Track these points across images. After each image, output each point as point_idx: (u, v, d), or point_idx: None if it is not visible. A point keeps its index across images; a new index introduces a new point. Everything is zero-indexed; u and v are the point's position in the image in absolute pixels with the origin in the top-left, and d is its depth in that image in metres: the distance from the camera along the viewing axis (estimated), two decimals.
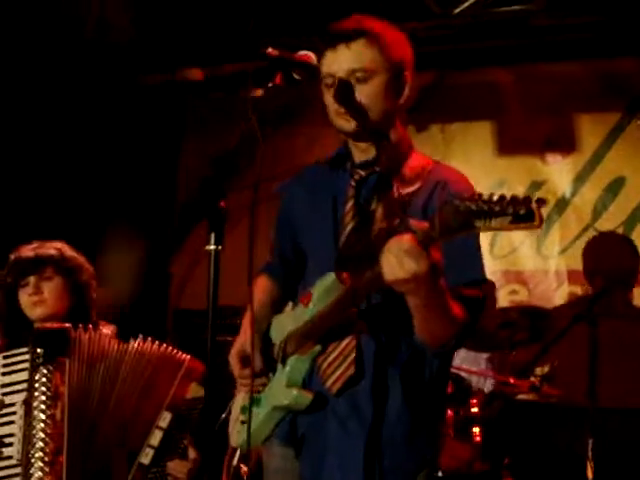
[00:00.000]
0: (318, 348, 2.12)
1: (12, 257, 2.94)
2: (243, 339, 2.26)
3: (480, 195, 1.58)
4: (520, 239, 5.25)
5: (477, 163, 5.36)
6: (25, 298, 2.91)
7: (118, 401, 2.77)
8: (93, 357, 2.80)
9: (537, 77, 5.24)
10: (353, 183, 2.17)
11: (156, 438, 2.76)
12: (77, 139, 5.30)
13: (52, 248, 2.95)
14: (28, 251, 2.94)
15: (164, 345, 2.88)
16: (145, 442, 2.76)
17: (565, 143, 5.20)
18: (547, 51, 5.09)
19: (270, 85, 2.00)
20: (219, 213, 1.78)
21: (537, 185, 5.26)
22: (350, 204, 2.16)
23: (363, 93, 2.10)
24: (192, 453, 2.77)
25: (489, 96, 5.34)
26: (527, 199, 1.52)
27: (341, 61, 2.10)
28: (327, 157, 2.30)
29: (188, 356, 2.87)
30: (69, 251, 2.98)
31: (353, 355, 2.08)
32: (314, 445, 2.17)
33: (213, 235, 1.77)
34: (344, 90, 2.08)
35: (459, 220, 1.59)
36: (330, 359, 2.11)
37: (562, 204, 5.20)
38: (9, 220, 4.65)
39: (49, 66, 5.01)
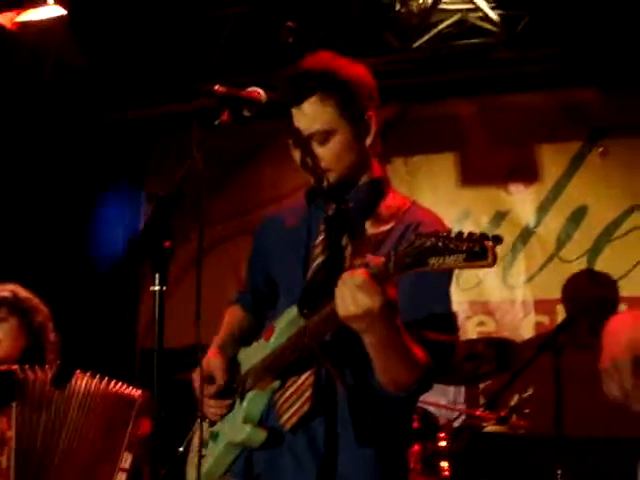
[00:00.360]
0: (277, 383, 2.09)
1: None
2: (208, 360, 2.23)
3: (438, 233, 1.55)
4: (486, 270, 5.23)
5: (442, 194, 5.38)
6: None
7: (70, 445, 2.71)
8: (41, 400, 2.75)
9: (499, 108, 5.30)
10: (324, 218, 2.14)
11: None
12: (36, 178, 5.26)
13: (5, 290, 2.93)
14: None
15: (113, 382, 2.83)
16: None
17: (528, 173, 5.24)
18: (508, 82, 5.16)
19: (217, 123, 1.96)
20: (163, 253, 1.74)
21: (501, 215, 5.29)
22: (321, 238, 2.12)
23: (326, 153, 2.06)
24: None
25: (452, 128, 5.37)
26: (482, 236, 1.50)
27: (296, 125, 2.06)
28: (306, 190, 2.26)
29: (139, 391, 2.83)
30: (23, 292, 2.96)
31: (310, 391, 2.04)
32: None
33: (157, 275, 1.73)
34: (306, 162, 2.06)
35: (414, 257, 1.57)
36: (287, 395, 2.08)
37: (526, 234, 5.22)
38: None
39: (8, 109, 4.98)
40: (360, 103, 2.09)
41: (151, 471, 1.86)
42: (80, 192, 5.45)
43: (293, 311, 2.05)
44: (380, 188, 2.15)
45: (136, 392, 2.83)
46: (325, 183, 2.09)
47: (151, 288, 1.73)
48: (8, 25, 5.00)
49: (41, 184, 5.32)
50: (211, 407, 2.22)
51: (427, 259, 1.54)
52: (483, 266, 1.49)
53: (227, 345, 2.29)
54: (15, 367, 2.77)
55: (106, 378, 2.85)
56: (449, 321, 2.04)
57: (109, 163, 5.62)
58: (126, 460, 2.73)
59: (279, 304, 2.21)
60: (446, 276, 2.05)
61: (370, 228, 2.05)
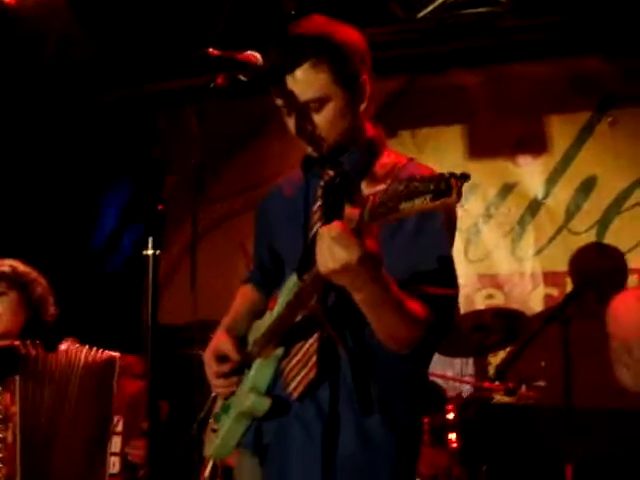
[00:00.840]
0: (280, 350, 2.08)
1: None
2: (217, 340, 2.23)
3: (409, 178, 1.54)
4: (494, 242, 5.22)
5: (449, 167, 5.10)
6: None
7: (72, 416, 2.72)
8: (43, 374, 2.75)
9: (506, 78, 5.22)
10: (322, 183, 2.13)
11: (117, 445, 2.71)
12: (41, 159, 5.25)
13: (4, 265, 2.92)
14: None
15: (93, 349, 2.83)
16: (107, 451, 2.70)
17: (536, 144, 5.17)
18: (515, 52, 5.07)
19: (212, 86, 1.93)
20: (157, 217, 1.72)
21: (509, 187, 5.23)
22: (318, 204, 2.12)
23: (321, 120, 2.04)
24: None
25: (458, 99, 5.30)
26: (450, 174, 1.50)
27: (289, 94, 2.03)
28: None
29: (117, 354, 2.82)
30: (22, 266, 2.96)
31: (315, 358, 2.02)
32: (278, 452, 2.11)
33: (151, 239, 1.70)
34: (301, 127, 2.04)
35: (386, 204, 1.55)
36: (293, 363, 2.06)
37: (535, 206, 5.16)
38: None
39: (11, 87, 4.96)
40: (354, 67, 2.06)
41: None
42: (85, 169, 5.44)
43: (293, 278, 2.04)
44: (373, 148, 2.13)
45: (114, 354, 2.81)
46: (322, 150, 2.08)
47: (144, 252, 1.71)
48: (7, 0, 4.97)
49: (43, 160, 5.31)
50: (221, 386, 2.21)
51: (398, 205, 1.53)
52: (449, 204, 1.48)
53: (237, 323, 2.29)
54: (17, 342, 2.77)
55: (86, 345, 2.86)
56: (449, 275, 2.02)
57: (113, 140, 5.59)
58: (118, 422, 2.74)
59: (286, 275, 2.19)
60: (444, 230, 2.03)
61: (366, 189, 2.03)
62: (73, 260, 5.49)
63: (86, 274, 5.55)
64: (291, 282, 2.05)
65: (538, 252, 5.11)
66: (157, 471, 1.82)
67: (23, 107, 5.04)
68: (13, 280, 2.90)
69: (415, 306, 1.88)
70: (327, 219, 2.02)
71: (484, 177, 5.27)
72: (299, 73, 2.01)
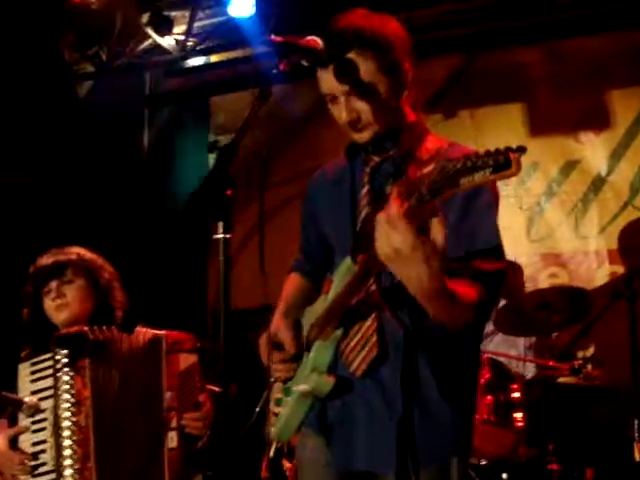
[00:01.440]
0: (339, 332, 2.11)
1: (32, 268, 2.96)
2: (275, 327, 2.27)
3: (465, 154, 1.57)
4: (557, 221, 5.16)
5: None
6: (49, 303, 2.92)
7: (137, 398, 2.78)
8: (112, 358, 2.80)
9: (565, 54, 5.14)
10: (368, 169, 2.17)
11: (172, 420, 2.75)
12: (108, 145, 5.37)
13: (70, 252, 2.96)
14: (47, 258, 2.95)
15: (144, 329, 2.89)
16: (165, 427, 2.76)
17: (598, 120, 5.08)
18: (574, 27, 5.00)
19: (275, 72, 1.96)
20: (226, 201, 1.75)
21: (571, 165, 5.16)
22: (365, 190, 2.15)
23: (364, 108, 2.08)
24: (206, 405, 2.79)
25: (518, 77, 5.25)
26: (507, 148, 1.52)
27: (334, 81, 2.07)
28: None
29: (163, 331, 2.87)
30: (88, 253, 2.99)
31: (375, 337, 2.06)
32: (343, 431, 2.15)
33: (221, 224, 1.74)
34: (349, 112, 2.08)
35: (445, 180, 1.59)
36: (352, 343, 2.10)
37: (598, 183, 5.08)
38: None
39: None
40: (396, 56, 2.11)
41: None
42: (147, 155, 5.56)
43: (347, 261, 2.08)
44: (417, 133, 2.17)
45: (160, 332, 2.86)
46: (366, 136, 2.12)
47: (214, 236, 1.75)
48: None
49: (109, 145, 5.44)
50: (280, 371, 2.26)
51: (458, 180, 1.56)
52: (509, 176, 1.52)
53: (290, 310, 2.33)
54: (86, 328, 2.82)
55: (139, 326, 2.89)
56: (498, 249, 2.03)
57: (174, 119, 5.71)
58: (172, 399, 2.77)
59: (336, 260, 2.23)
60: (492, 206, 2.05)
61: (412, 173, 2.04)
62: (139, 244, 5.63)
63: (152, 258, 5.68)
64: (344, 266, 2.08)
65: (602, 229, 5.03)
66: (225, 453, 1.86)
67: (91, 100, 5.17)
68: (80, 267, 2.92)
69: (466, 290, 1.90)
70: (375, 204, 2.08)
71: (545, 155, 5.21)
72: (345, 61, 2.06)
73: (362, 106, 2.08)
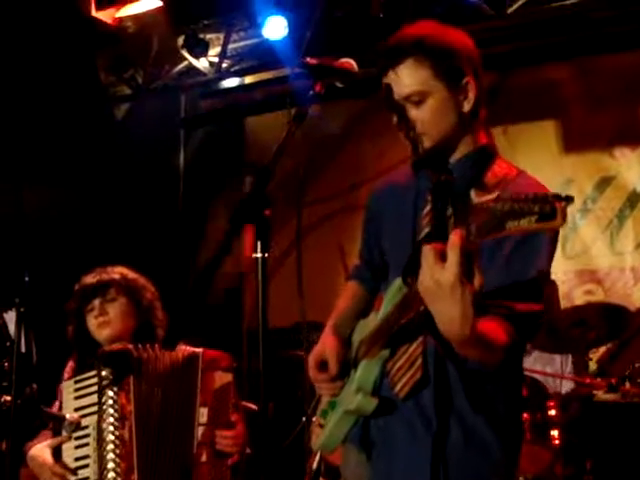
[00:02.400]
0: (386, 352, 2.11)
1: (76, 286, 3.04)
2: (323, 345, 2.27)
3: (513, 196, 1.53)
4: (592, 236, 5.13)
5: (543, 163, 5.26)
6: (92, 321, 2.98)
7: (178, 414, 2.83)
8: (154, 375, 2.86)
9: (599, 70, 5.14)
10: (431, 188, 2.11)
11: (205, 436, 2.79)
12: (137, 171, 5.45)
13: (113, 272, 3.03)
14: (91, 277, 3.03)
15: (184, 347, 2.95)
16: (194, 442, 2.80)
17: (633, 136, 5.06)
18: (608, 43, 4.99)
19: (310, 94, 2.00)
20: (264, 221, 1.79)
21: (606, 181, 5.14)
22: (427, 209, 2.11)
23: (419, 117, 2.04)
24: (239, 425, 2.81)
25: (551, 94, 5.25)
26: (554, 196, 1.48)
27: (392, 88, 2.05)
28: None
29: (201, 349, 2.92)
30: (131, 273, 3.06)
31: (420, 360, 2.05)
32: (384, 450, 2.16)
33: (259, 243, 1.78)
34: (403, 123, 2.04)
35: (493, 222, 1.55)
36: (399, 364, 2.09)
37: (634, 198, 5.05)
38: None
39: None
40: (457, 65, 2.05)
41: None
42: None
43: (398, 281, 2.05)
44: (486, 156, 2.11)
45: (198, 350, 2.91)
46: (420, 148, 2.06)
47: (253, 255, 1.78)
48: (109, 21, 5.21)
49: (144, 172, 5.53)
50: (324, 390, 2.26)
51: (505, 223, 1.52)
52: (554, 227, 1.48)
53: (343, 322, 2.32)
54: (130, 346, 2.88)
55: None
56: (537, 290, 1.99)
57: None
58: (203, 415, 2.81)
59: (390, 277, 2.21)
60: (544, 246, 1.99)
61: (475, 197, 2.02)
62: (177, 263, 5.70)
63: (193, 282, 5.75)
64: (396, 285, 2.07)
65: (638, 245, 5.00)
66: (265, 466, 1.88)
67: (127, 122, 5.27)
68: (123, 286, 2.99)
69: (497, 334, 1.87)
70: (435, 225, 2.05)
71: (580, 171, 5.19)
72: (401, 68, 2.03)
73: (415, 114, 2.04)
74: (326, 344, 2.25)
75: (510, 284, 1.94)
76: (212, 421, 2.80)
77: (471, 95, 2.06)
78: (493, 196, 1.84)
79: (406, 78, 2.03)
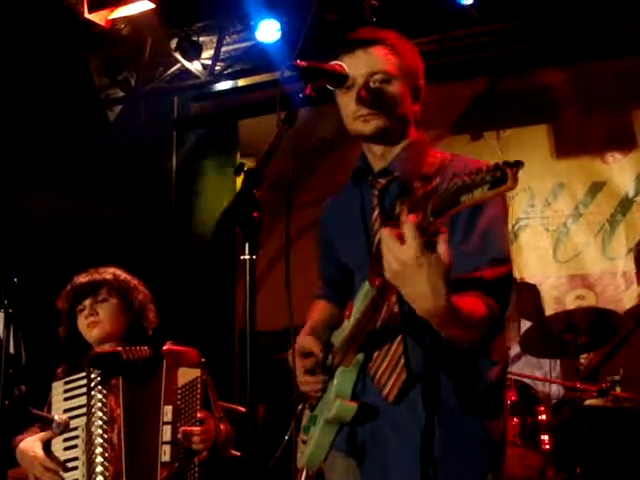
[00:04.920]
0: (360, 357, 2.12)
1: (68, 286, 3.02)
2: (300, 339, 2.28)
3: (465, 172, 1.57)
4: (584, 241, 5.14)
5: (535, 168, 5.27)
6: (82, 321, 2.96)
7: (147, 413, 2.80)
8: (144, 378, 2.84)
9: (592, 75, 5.16)
10: (376, 192, 2.19)
11: (167, 434, 2.76)
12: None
13: (106, 272, 3.02)
14: (83, 277, 3.01)
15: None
16: (159, 441, 2.76)
17: (625, 141, 5.08)
18: (600, 47, 4.98)
19: (300, 96, 2.00)
20: (252, 223, 1.79)
21: (598, 186, 5.15)
22: (376, 213, 2.17)
23: (384, 93, 2.13)
24: (206, 422, 2.78)
25: (542, 99, 5.27)
26: (504, 163, 1.52)
27: (360, 65, 2.13)
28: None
29: (166, 346, 2.89)
30: (123, 274, 3.04)
31: (403, 360, 2.06)
32: (376, 453, 2.15)
33: (247, 245, 1.78)
34: (368, 88, 2.12)
35: (447, 198, 1.59)
36: (383, 367, 2.10)
37: (626, 204, 5.07)
38: None
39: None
40: (416, 68, 2.20)
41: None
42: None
43: (366, 285, 2.07)
44: (420, 148, 2.21)
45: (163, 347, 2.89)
46: (370, 128, 2.14)
47: (241, 257, 1.78)
48: (102, 23, 5.20)
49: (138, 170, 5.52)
50: (308, 383, 2.26)
51: (459, 198, 1.57)
52: (507, 189, 1.51)
53: (317, 332, 2.32)
54: (120, 349, 2.86)
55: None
56: (503, 258, 2.03)
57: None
58: (167, 413, 2.78)
59: (355, 284, 2.24)
60: (498, 219, 2.05)
61: (419, 188, 2.05)
62: (169, 265, 5.68)
63: (181, 278, 5.73)
64: (364, 289, 2.08)
65: (630, 250, 4.99)
66: (254, 469, 1.87)
67: (120, 124, 5.26)
68: (115, 287, 2.97)
69: (474, 306, 1.90)
70: (387, 225, 2.08)
71: (572, 176, 5.21)
72: (371, 49, 2.14)
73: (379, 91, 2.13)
74: (305, 337, 2.28)
75: (476, 261, 1.98)
76: (176, 419, 2.77)
77: (421, 97, 2.23)
78: (435, 183, 1.90)
79: (378, 57, 2.15)
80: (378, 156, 2.22)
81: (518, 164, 1.51)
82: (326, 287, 2.49)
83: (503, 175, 1.50)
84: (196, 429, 2.76)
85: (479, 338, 1.96)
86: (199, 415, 2.79)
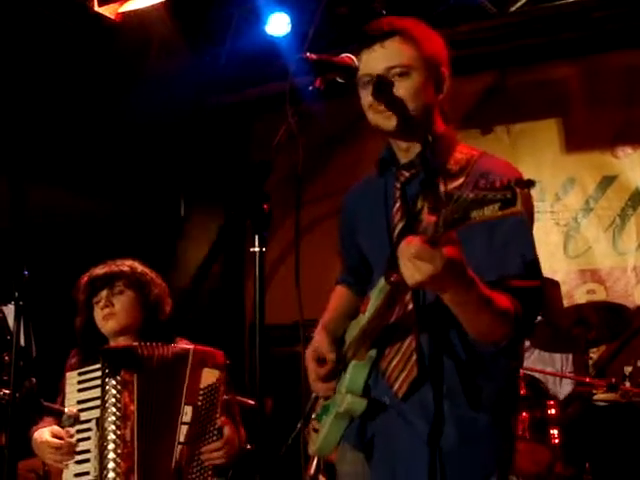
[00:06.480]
0: (374, 352, 2.12)
1: (85, 277, 3.02)
2: (317, 342, 2.28)
3: (478, 185, 1.55)
4: (595, 236, 5.12)
5: (546, 162, 5.26)
6: (98, 312, 2.96)
7: (166, 412, 2.80)
8: (160, 374, 2.83)
9: (602, 69, 5.13)
10: (398, 185, 2.17)
11: (183, 434, 2.77)
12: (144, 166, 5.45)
13: (123, 264, 3.01)
14: (100, 269, 3.01)
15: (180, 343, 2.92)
16: (175, 440, 2.77)
17: (636, 135, 5.05)
18: (611, 41, 4.97)
19: (310, 88, 1.99)
20: (262, 215, 1.79)
21: (609, 180, 5.13)
22: (397, 206, 2.15)
23: (402, 88, 2.08)
24: (227, 431, 2.79)
25: (553, 93, 5.24)
26: (516, 181, 1.50)
27: (377, 59, 2.09)
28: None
29: (192, 346, 2.89)
30: (140, 267, 3.03)
31: (415, 357, 2.05)
32: (385, 450, 2.15)
33: (257, 237, 1.78)
34: (382, 86, 2.08)
35: (459, 213, 1.58)
36: (394, 363, 2.09)
37: (637, 198, 5.05)
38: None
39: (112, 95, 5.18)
40: (437, 55, 2.14)
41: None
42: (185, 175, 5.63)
43: (381, 281, 2.06)
44: (447, 144, 2.15)
45: (189, 347, 2.88)
46: (392, 124, 2.10)
47: (251, 249, 1.78)
48: (112, 16, 5.20)
49: (145, 169, 5.52)
50: (319, 390, 2.27)
51: (469, 213, 1.56)
52: (514, 213, 1.50)
53: (334, 323, 2.33)
54: (135, 344, 2.87)
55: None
56: (532, 267, 2.00)
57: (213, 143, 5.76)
58: (187, 414, 2.78)
59: (374, 276, 2.23)
60: (523, 224, 2.01)
61: (443, 186, 2.04)
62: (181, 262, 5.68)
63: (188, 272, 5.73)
64: (380, 285, 2.07)
65: None
66: (265, 467, 1.87)
67: (125, 115, 5.25)
68: (131, 279, 2.96)
69: (504, 301, 1.89)
70: (407, 220, 2.09)
71: (582, 170, 5.19)
72: (389, 43, 2.09)
73: (397, 86, 2.08)
74: (319, 342, 2.27)
75: (500, 269, 1.95)
76: (196, 421, 2.77)
77: (445, 86, 2.16)
78: (460, 181, 1.89)
79: (395, 50, 2.09)
80: (403, 149, 2.18)
81: (530, 184, 1.50)
82: (347, 273, 2.48)
83: (513, 197, 1.50)
84: (215, 445, 2.76)
85: (506, 336, 1.94)
86: (219, 422, 2.79)
